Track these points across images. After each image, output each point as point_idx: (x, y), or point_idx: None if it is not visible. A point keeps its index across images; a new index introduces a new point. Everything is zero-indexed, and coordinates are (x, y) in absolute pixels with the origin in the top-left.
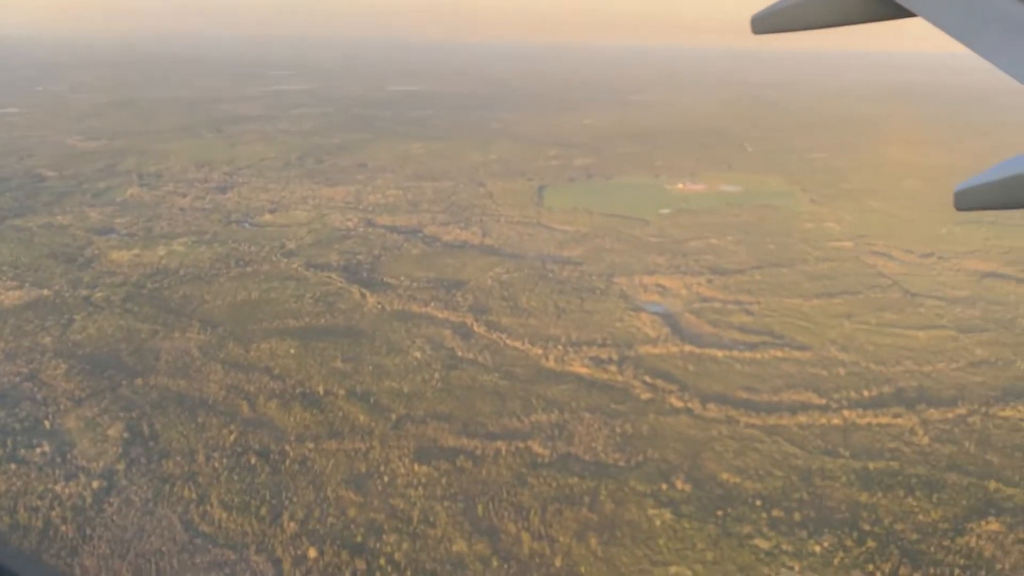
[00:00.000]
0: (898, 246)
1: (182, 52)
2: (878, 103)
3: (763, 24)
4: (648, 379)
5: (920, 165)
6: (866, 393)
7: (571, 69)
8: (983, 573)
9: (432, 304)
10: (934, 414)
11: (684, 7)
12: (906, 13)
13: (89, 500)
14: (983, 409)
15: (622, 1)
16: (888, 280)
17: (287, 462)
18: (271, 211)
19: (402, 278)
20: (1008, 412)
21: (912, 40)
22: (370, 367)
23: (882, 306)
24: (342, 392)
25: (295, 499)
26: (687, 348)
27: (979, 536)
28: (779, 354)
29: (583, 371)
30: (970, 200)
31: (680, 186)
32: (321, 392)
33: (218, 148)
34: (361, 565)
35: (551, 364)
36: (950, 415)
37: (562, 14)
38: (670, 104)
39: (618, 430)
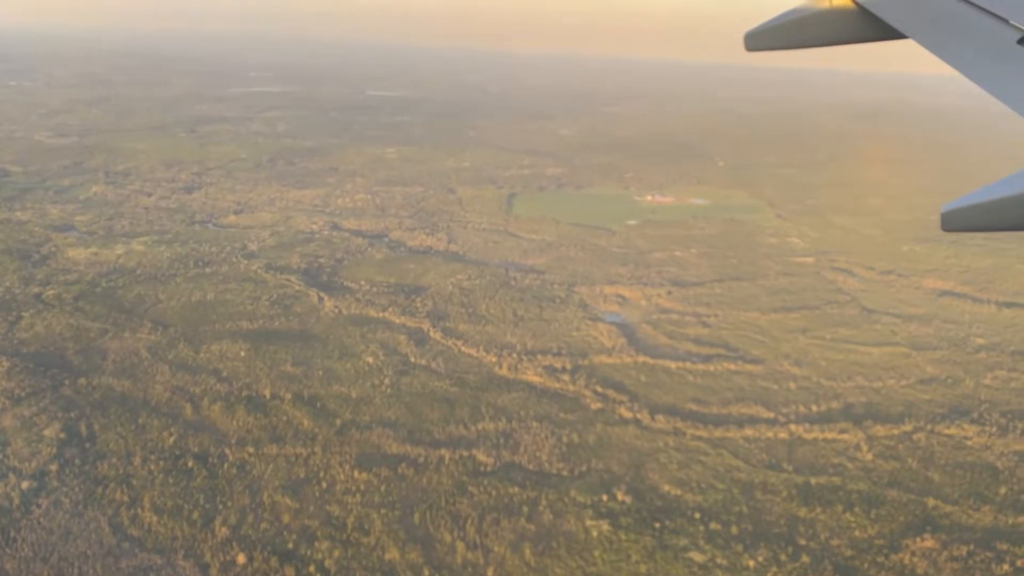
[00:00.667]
0: (859, 263)
1: (164, 50)
2: (855, 121)
3: (756, 42)
4: (599, 389)
5: (887, 183)
6: (815, 408)
7: (554, 79)
8: None
9: (390, 309)
10: (880, 430)
11: (680, 21)
12: (898, 35)
13: (16, 501)
14: (928, 427)
15: (619, 14)
16: (847, 296)
17: (225, 466)
18: (236, 212)
19: (362, 282)
20: (952, 430)
21: (905, 61)
22: (320, 371)
23: (838, 322)
24: (288, 396)
25: (229, 504)
26: (641, 359)
27: (913, 553)
28: (732, 367)
29: (535, 379)
30: (957, 221)
31: (649, 198)
32: (267, 396)
33: (189, 148)
34: (290, 572)
35: (504, 372)
36: (896, 432)
37: (556, 24)
38: (646, 117)
39: (564, 440)
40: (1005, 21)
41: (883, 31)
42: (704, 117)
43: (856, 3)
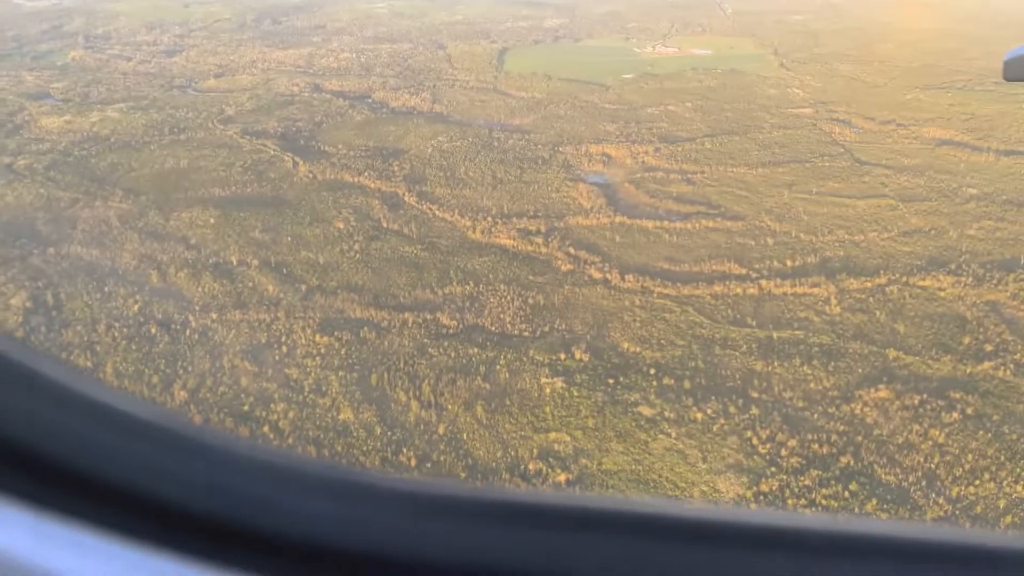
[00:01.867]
0: (859, 113)
1: None
2: None
3: (1018, 71)
4: (572, 250)
5: (899, 27)
6: (789, 263)
7: None
8: (859, 437)
9: (366, 173)
10: (853, 284)
11: None
12: None
13: None
14: (903, 279)
15: None
16: (840, 148)
17: (188, 332)
18: (217, 76)
19: (340, 146)
20: (927, 282)
21: None
22: (289, 238)
23: (827, 175)
24: (256, 263)
25: (190, 368)
26: (618, 219)
27: (865, 403)
28: (711, 224)
29: (508, 243)
30: (1019, 70)
31: (650, 49)
32: (234, 262)
33: (173, 9)
34: (244, 432)
35: (477, 236)
36: (869, 285)
37: None
38: None
39: (531, 301)
40: None
41: None
42: None
43: None
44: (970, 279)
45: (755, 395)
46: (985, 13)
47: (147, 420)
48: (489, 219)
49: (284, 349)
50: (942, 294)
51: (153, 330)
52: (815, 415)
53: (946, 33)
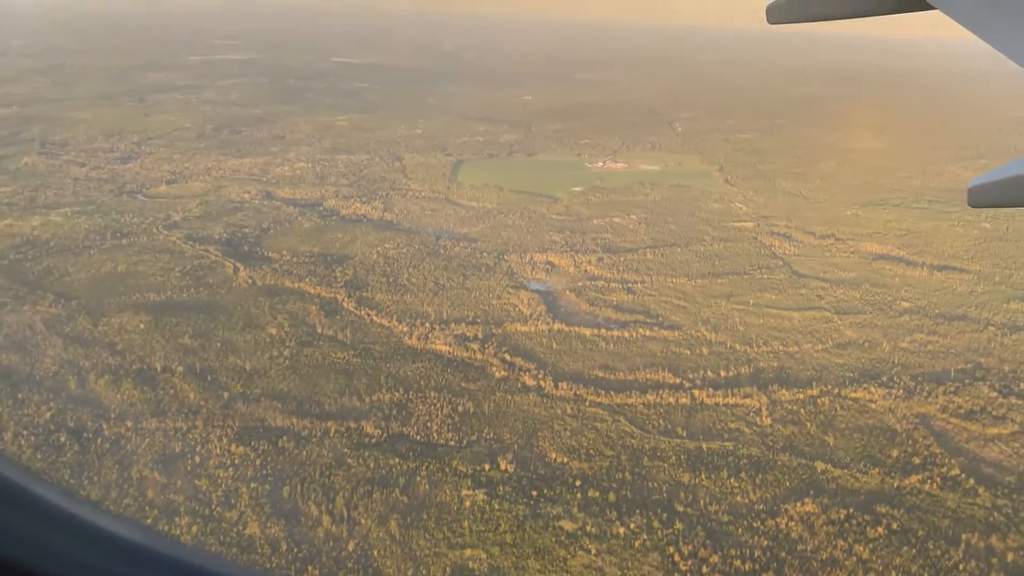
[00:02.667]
0: (799, 227)
1: (134, 19)
2: (828, 86)
3: (778, 15)
4: (508, 357)
5: (842, 148)
6: (723, 373)
7: (532, 44)
8: (783, 553)
9: (307, 279)
10: (785, 395)
11: None
12: (925, 6)
13: None
14: (835, 390)
15: None
16: (779, 261)
17: (99, 441)
18: (169, 182)
19: (284, 252)
20: (859, 394)
21: (948, 27)
22: (218, 344)
23: (765, 287)
24: (180, 369)
25: (95, 479)
26: (557, 326)
27: (791, 517)
28: (648, 333)
29: (444, 349)
30: (984, 197)
31: (600, 164)
32: (159, 368)
33: (133, 117)
34: None
35: (413, 342)
36: (801, 396)
37: None
38: (616, 83)
39: (460, 409)
40: None
41: (910, 3)
42: (674, 83)
43: None
44: (901, 391)
45: (680, 508)
46: (924, 135)
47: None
48: (427, 325)
49: (197, 459)
50: (873, 406)
51: (63, 438)
52: (740, 530)
53: (886, 153)
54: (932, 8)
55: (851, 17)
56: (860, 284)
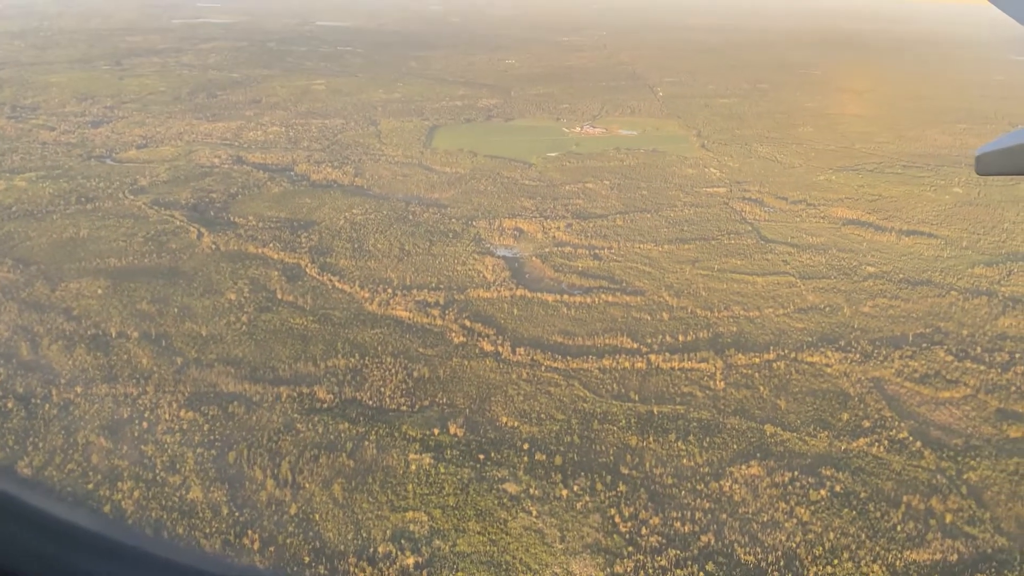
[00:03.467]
0: (771, 192)
1: None
2: (818, 51)
3: (989, 166)
4: (468, 323)
5: (822, 112)
6: (681, 338)
7: (522, 9)
8: (724, 515)
9: (271, 245)
10: (741, 359)
11: None
12: None
13: None
14: (792, 355)
15: None
16: (748, 227)
17: (47, 407)
18: (139, 147)
19: (250, 218)
20: (815, 358)
21: None
22: (176, 309)
23: (731, 252)
24: (136, 335)
25: (40, 444)
26: (519, 292)
27: (735, 480)
28: (610, 299)
29: (403, 315)
30: (990, 164)
31: (578, 129)
32: (113, 334)
33: (107, 81)
34: (82, 513)
35: (373, 307)
36: (757, 360)
37: None
38: (602, 47)
39: (415, 375)
40: None
41: None
42: (660, 47)
43: None
44: (858, 356)
45: (626, 471)
46: (906, 101)
47: None
48: (389, 291)
49: (145, 425)
50: (828, 370)
51: (9, 404)
52: (683, 492)
53: (864, 118)
54: None
55: None
56: (827, 249)
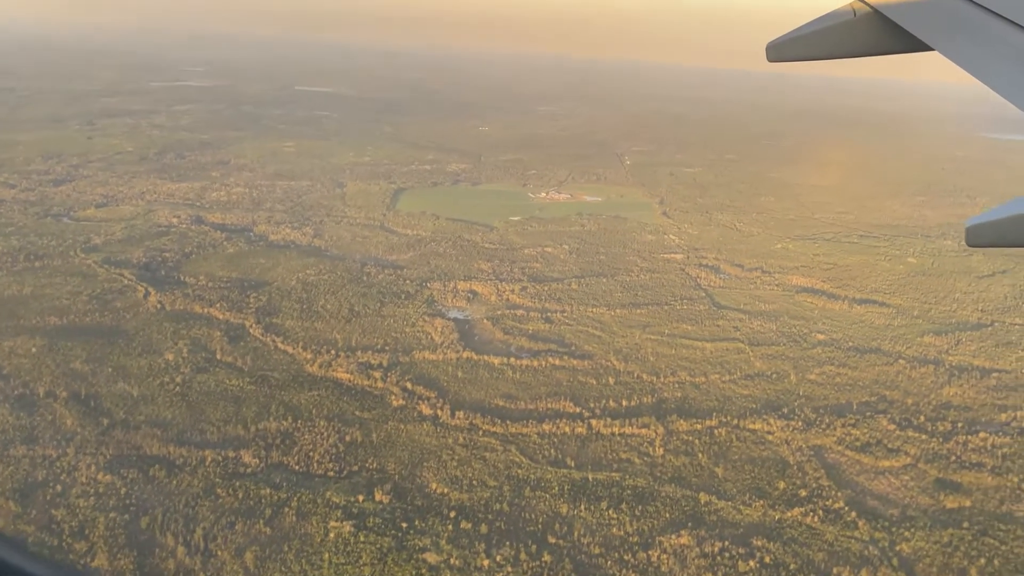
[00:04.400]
0: (728, 260)
1: (104, 45)
2: (789, 124)
3: (779, 52)
4: (409, 386)
5: (785, 183)
6: (624, 403)
7: (502, 77)
8: None
9: (218, 305)
10: (683, 425)
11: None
12: (924, 46)
13: None
14: (735, 421)
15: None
16: (702, 293)
17: None
18: (99, 206)
19: (201, 277)
20: (757, 425)
21: (937, 69)
22: (110, 369)
23: (683, 318)
24: (64, 395)
25: None
26: (466, 354)
27: (664, 550)
28: (557, 362)
29: (344, 377)
30: (981, 236)
31: (543, 195)
32: (41, 394)
33: (76, 140)
34: None
35: (313, 369)
36: (699, 427)
37: (550, 25)
38: (574, 116)
39: (347, 439)
40: None
41: (909, 43)
42: (633, 117)
43: (881, 14)
44: (800, 423)
45: (553, 540)
46: (869, 173)
47: None
48: (332, 352)
49: (59, 488)
50: (770, 437)
51: None
52: (609, 562)
53: (826, 189)
54: (931, 49)
55: (850, 56)
56: (779, 316)
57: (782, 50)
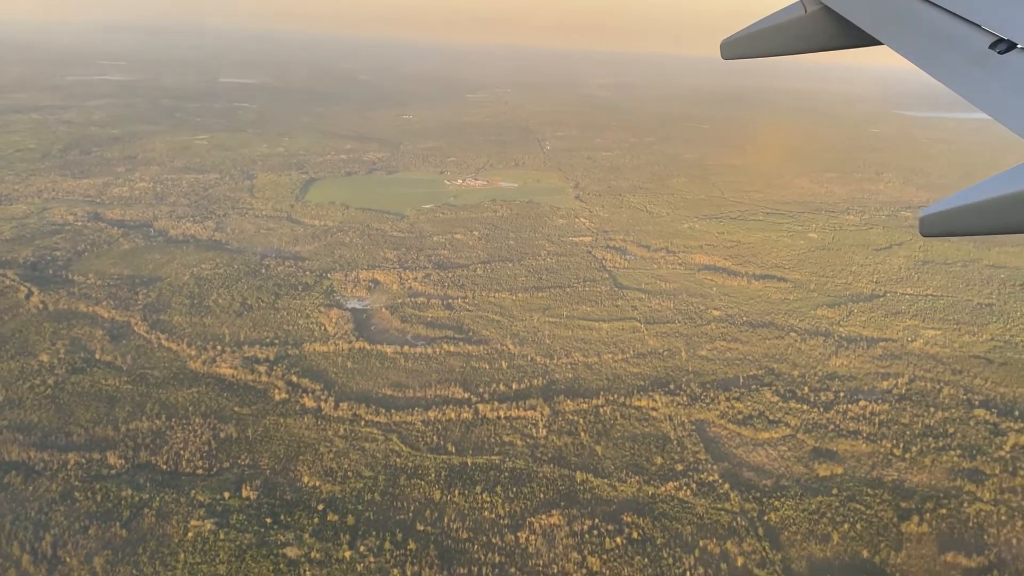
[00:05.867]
0: (635, 241)
1: (27, 40)
2: (718, 107)
3: (732, 50)
4: (295, 379)
5: (700, 164)
6: (515, 386)
7: (437, 67)
8: (513, 569)
9: (104, 303)
10: (569, 405)
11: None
12: (875, 41)
13: None
14: (621, 399)
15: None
16: (606, 274)
17: None
18: None
19: (91, 276)
20: (643, 402)
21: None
22: None
23: (584, 299)
24: None
25: None
26: (359, 345)
27: (534, 531)
28: (452, 348)
29: (228, 372)
30: (935, 225)
31: (459, 182)
32: None
33: None
34: None
35: (197, 366)
36: (585, 406)
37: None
38: (504, 103)
39: (222, 435)
40: (977, 26)
41: (859, 37)
42: (559, 103)
43: (832, 10)
44: (685, 399)
45: (421, 528)
46: (783, 152)
47: None
48: (218, 347)
49: None
50: (654, 414)
51: None
52: (476, 546)
53: (739, 168)
54: (880, 44)
55: (803, 52)
56: (678, 294)
57: (736, 47)
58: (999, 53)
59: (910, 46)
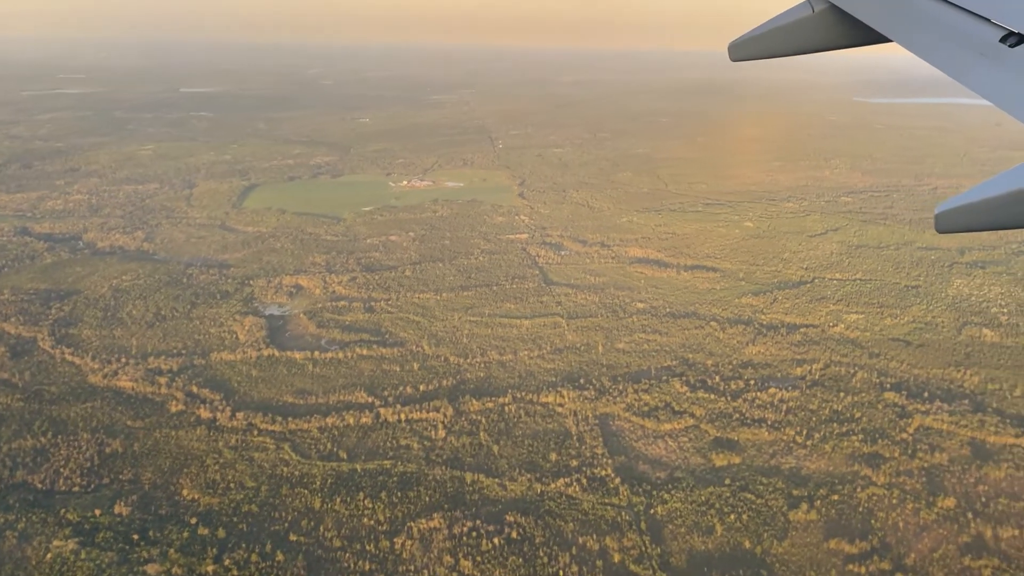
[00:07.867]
0: (572, 236)
1: None
2: (679, 100)
3: (740, 52)
4: (195, 389)
5: (648, 158)
6: (422, 388)
7: (410, 69)
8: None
9: (13, 319)
10: (475, 405)
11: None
12: (883, 38)
13: None
14: (528, 396)
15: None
16: (536, 271)
17: None
18: None
19: (5, 292)
20: (550, 398)
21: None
22: None
23: (509, 296)
24: None
25: None
26: (268, 352)
27: (411, 536)
28: (365, 352)
29: (128, 385)
30: (951, 221)
31: (404, 183)
32: None
33: None
34: None
35: (96, 380)
36: (490, 405)
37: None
38: (463, 104)
39: (108, 451)
40: (987, 21)
41: (867, 35)
42: (518, 102)
43: (840, 8)
44: (593, 393)
45: (294, 538)
46: (734, 144)
47: None
48: (123, 360)
49: None
50: (560, 410)
51: None
52: (348, 555)
53: (688, 161)
54: (888, 41)
55: (812, 52)
56: (605, 288)
57: (743, 49)
58: (1010, 47)
59: (919, 42)
